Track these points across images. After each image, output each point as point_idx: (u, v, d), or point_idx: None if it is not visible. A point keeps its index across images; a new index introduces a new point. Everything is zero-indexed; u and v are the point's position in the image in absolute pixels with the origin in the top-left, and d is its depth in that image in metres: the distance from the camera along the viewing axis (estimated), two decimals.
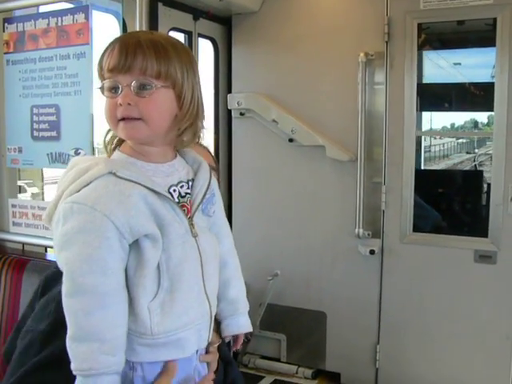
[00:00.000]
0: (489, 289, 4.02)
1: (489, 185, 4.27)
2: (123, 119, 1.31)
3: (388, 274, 4.31)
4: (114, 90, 1.30)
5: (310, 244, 4.58)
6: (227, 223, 1.60)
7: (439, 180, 5.25)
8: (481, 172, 5.15)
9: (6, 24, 3.00)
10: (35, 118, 2.93)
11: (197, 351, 1.43)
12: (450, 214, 4.86)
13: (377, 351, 4.38)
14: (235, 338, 1.59)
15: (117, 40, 1.32)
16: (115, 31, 2.96)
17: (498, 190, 3.96)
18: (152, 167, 1.36)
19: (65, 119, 2.83)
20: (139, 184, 1.28)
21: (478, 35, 4.48)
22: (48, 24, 2.83)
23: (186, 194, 1.40)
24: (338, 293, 4.49)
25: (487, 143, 7.20)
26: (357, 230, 4.28)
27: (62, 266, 1.26)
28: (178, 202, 1.37)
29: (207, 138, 5.57)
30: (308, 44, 4.46)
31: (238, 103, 4.66)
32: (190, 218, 1.38)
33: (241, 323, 1.57)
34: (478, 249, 4.02)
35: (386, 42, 4.16)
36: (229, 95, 4.74)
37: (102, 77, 1.34)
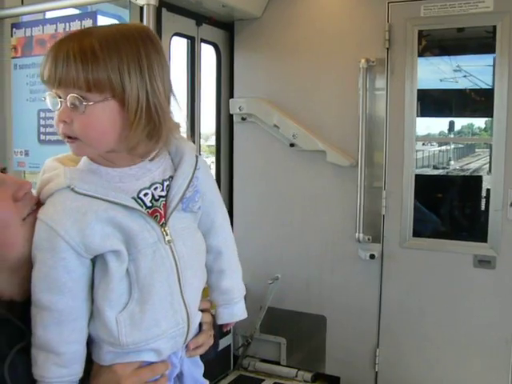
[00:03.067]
0: (488, 293, 4.04)
1: (488, 190, 4.30)
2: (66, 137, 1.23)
3: (388, 278, 4.34)
4: (53, 104, 1.21)
5: (310, 248, 4.60)
6: (222, 213, 1.51)
7: (439, 185, 5.28)
8: (480, 177, 5.17)
9: (14, 29, 3.04)
10: (42, 122, 2.96)
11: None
12: (449, 219, 4.89)
13: (376, 355, 4.41)
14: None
15: (51, 49, 1.20)
16: None
17: (497, 196, 3.99)
18: (118, 172, 1.28)
19: None
20: (98, 198, 1.21)
21: (478, 42, 4.51)
22: (56, 29, 2.87)
23: (160, 196, 1.30)
24: (338, 297, 4.52)
25: (476, 150, 7.21)
26: (357, 234, 4.31)
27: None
28: (151, 207, 1.29)
29: (209, 142, 5.63)
30: (309, 50, 4.49)
31: (239, 108, 4.70)
32: (164, 224, 1.30)
33: (235, 312, 1.53)
34: (478, 254, 4.05)
35: (387, 49, 4.20)
36: (231, 100, 4.78)
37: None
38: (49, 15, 3.06)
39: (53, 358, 1.22)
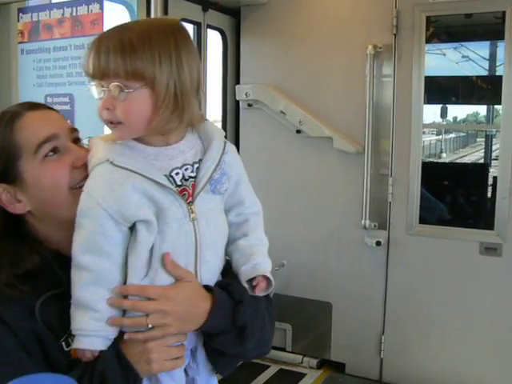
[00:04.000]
0: (494, 281, 4.05)
1: (495, 178, 4.29)
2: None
3: (394, 265, 4.34)
4: (98, 93, 1.31)
5: (316, 235, 4.60)
6: (250, 193, 1.60)
7: (445, 172, 5.27)
8: (487, 165, 5.16)
9: (20, 14, 3.03)
10: None
11: None
12: (456, 207, 4.89)
13: (382, 342, 4.42)
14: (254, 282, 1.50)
15: (93, 44, 1.31)
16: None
17: (504, 183, 3.98)
18: (154, 151, 1.37)
19: (79, 108, 2.86)
20: (134, 172, 1.32)
21: (487, 28, 4.49)
22: (63, 14, 2.87)
23: (190, 177, 1.39)
24: (344, 283, 4.53)
25: (477, 140, 7.21)
26: (363, 221, 4.31)
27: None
28: (181, 185, 1.37)
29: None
30: (316, 36, 4.47)
31: (246, 94, 4.68)
32: (191, 202, 1.38)
33: (257, 267, 1.49)
34: (484, 241, 4.05)
35: (395, 35, 4.17)
36: (237, 86, 4.76)
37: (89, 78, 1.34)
38: (55, 0, 3.04)
39: (91, 313, 1.31)
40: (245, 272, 1.49)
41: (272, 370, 4.65)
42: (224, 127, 4.92)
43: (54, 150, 1.42)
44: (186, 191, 1.38)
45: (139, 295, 1.34)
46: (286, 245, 4.67)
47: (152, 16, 2.80)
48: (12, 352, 1.32)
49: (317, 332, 4.72)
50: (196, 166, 1.41)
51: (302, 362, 4.71)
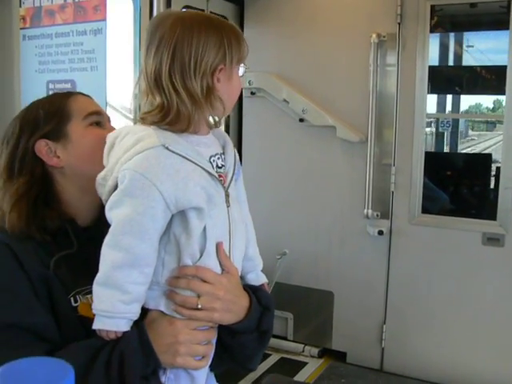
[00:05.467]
0: (496, 271, 4.05)
1: (498, 168, 4.28)
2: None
3: (396, 254, 4.34)
4: (242, 72, 1.47)
5: (318, 224, 4.60)
6: (243, 191, 1.64)
7: (448, 162, 5.25)
8: (490, 155, 5.14)
9: None
10: (51, 93, 2.95)
11: None
12: (458, 197, 4.87)
13: (383, 331, 4.42)
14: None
15: (240, 32, 1.45)
16: (129, 8, 2.97)
17: (507, 173, 3.98)
18: (196, 138, 1.40)
19: None
20: (188, 160, 1.34)
21: (491, 18, 4.46)
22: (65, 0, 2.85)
23: (222, 165, 1.45)
24: (346, 273, 4.53)
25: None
26: (366, 210, 4.30)
27: (110, 222, 1.35)
28: (217, 172, 1.42)
29: None
30: (320, 24, 4.45)
31: (249, 82, 4.66)
32: (226, 189, 1.43)
33: (259, 276, 1.62)
34: (486, 231, 4.05)
35: (399, 24, 4.15)
36: None
37: (238, 62, 1.44)
38: None
39: (119, 295, 1.31)
40: (251, 279, 1.60)
41: (273, 358, 4.65)
42: (227, 115, 4.90)
43: (98, 124, 1.56)
44: (222, 177, 1.43)
45: (196, 276, 1.37)
46: (288, 233, 4.68)
47: (154, 4, 2.78)
48: (23, 293, 1.35)
49: (318, 321, 4.74)
50: (223, 156, 1.47)
51: (303, 351, 4.72)
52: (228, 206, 1.43)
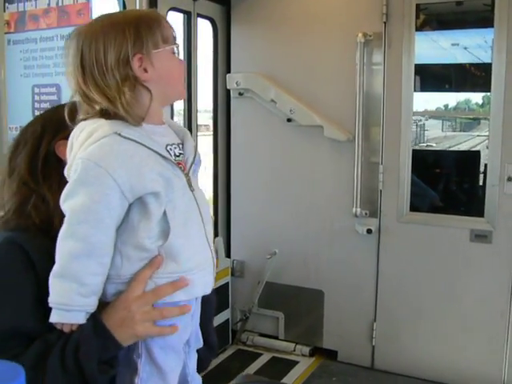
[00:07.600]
0: (484, 268, 4.07)
1: (485, 165, 4.30)
2: None
3: (385, 252, 4.36)
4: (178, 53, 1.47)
5: (307, 223, 4.62)
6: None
7: (436, 160, 5.27)
8: (478, 152, 5.16)
9: (6, 4, 3.02)
10: (36, 98, 2.96)
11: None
12: (446, 194, 4.90)
13: (373, 329, 4.44)
14: None
15: (151, 15, 1.44)
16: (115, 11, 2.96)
17: (494, 171, 4.00)
18: (150, 127, 1.40)
19: (66, 99, 2.84)
20: (142, 145, 1.33)
21: (476, 16, 4.47)
22: (48, 4, 2.86)
23: (180, 153, 1.45)
24: (336, 271, 4.54)
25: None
26: (354, 209, 4.32)
27: (65, 212, 1.33)
28: (175, 159, 1.42)
29: (206, 117, 5.62)
30: (307, 24, 4.46)
31: (236, 83, 4.68)
32: (187, 174, 1.43)
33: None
34: (474, 228, 4.07)
35: (385, 23, 4.17)
36: (228, 75, 4.75)
37: (161, 43, 1.42)
38: None
39: (76, 287, 1.29)
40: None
41: (265, 357, 4.67)
42: (215, 116, 4.92)
43: None
44: (181, 164, 1.43)
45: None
46: (278, 233, 4.69)
47: (139, 4, 2.79)
48: (21, 297, 1.39)
49: (309, 320, 4.75)
50: (180, 145, 1.47)
51: (294, 350, 4.74)
52: (193, 191, 1.44)
